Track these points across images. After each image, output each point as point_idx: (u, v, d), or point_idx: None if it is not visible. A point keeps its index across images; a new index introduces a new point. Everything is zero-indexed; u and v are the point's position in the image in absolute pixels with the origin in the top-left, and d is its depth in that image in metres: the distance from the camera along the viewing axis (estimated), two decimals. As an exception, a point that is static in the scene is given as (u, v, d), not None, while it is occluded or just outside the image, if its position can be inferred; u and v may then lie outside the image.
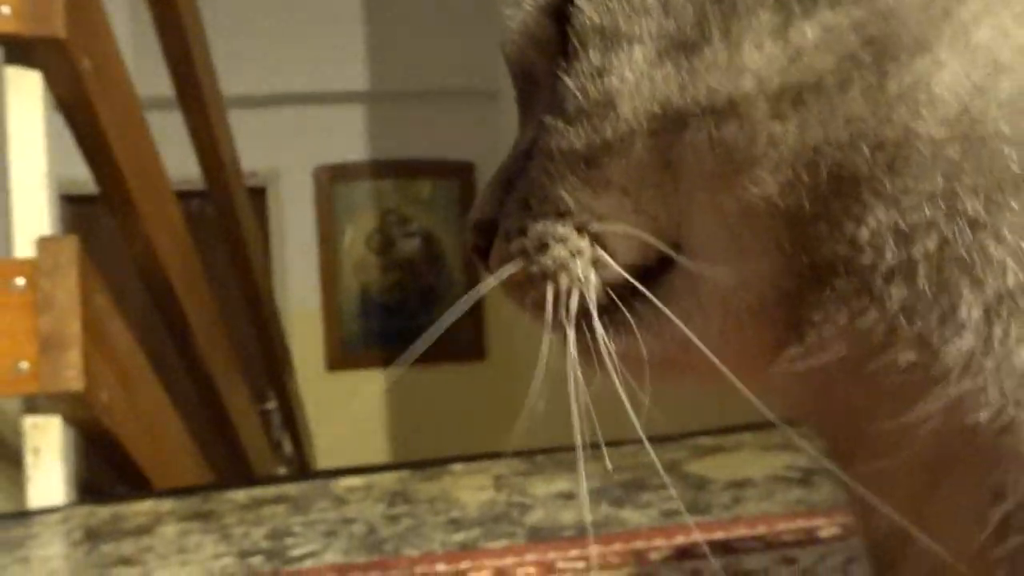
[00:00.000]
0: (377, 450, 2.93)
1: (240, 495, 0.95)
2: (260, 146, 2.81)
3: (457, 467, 0.96)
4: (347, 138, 3.31)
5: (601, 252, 0.29)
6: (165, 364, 1.22)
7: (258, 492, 0.96)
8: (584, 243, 0.29)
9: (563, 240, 0.29)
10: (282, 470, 2.25)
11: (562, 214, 0.29)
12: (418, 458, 1.03)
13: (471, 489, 0.85)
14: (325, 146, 3.29)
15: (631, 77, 0.27)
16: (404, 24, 3.26)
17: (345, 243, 3.35)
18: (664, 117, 0.26)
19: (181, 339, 1.38)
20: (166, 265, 1.25)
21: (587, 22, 0.28)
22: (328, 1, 3.24)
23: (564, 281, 0.29)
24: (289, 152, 3.23)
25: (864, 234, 0.25)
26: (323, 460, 2.48)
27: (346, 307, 3.33)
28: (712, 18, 0.26)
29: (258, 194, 3.11)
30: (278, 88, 3.17)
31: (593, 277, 0.29)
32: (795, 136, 0.25)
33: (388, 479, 0.94)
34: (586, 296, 0.29)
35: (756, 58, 0.25)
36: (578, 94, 0.28)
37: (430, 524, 0.72)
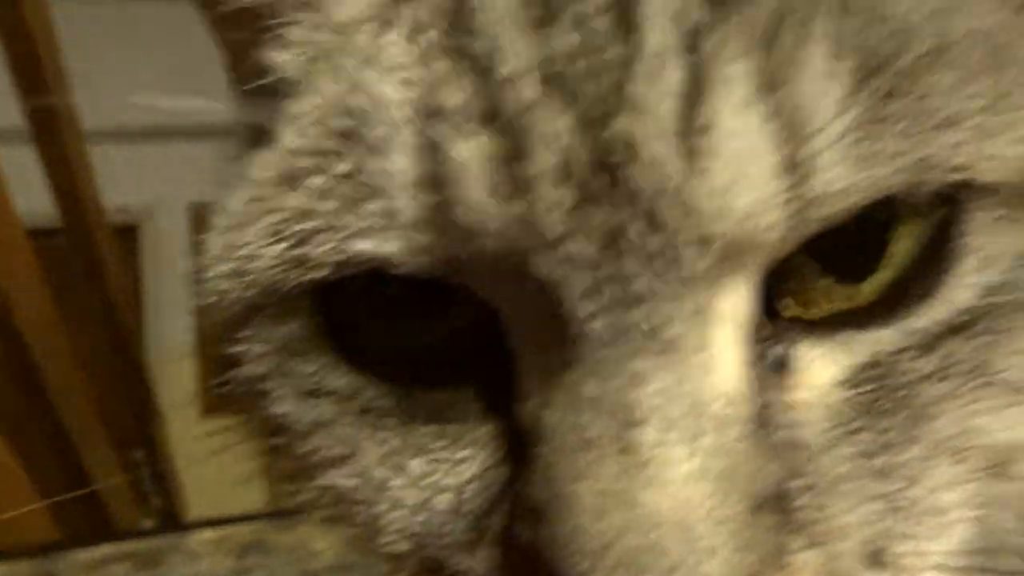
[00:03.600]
0: (255, 498, 2.81)
1: (87, 554, 0.89)
2: (132, 182, 2.71)
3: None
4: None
5: None
6: (12, 415, 1.15)
7: (107, 550, 0.90)
8: None
9: None
10: (148, 523, 2.14)
11: None
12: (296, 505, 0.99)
13: (329, 537, 0.82)
14: (201, 182, 3.20)
15: None
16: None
17: (224, 283, 3.25)
18: None
19: (30, 387, 1.30)
20: (13, 307, 1.17)
21: None
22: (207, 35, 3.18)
23: None
24: (163, 188, 3.13)
25: None
26: (196, 510, 2.37)
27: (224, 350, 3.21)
28: None
29: (130, 232, 2.99)
30: (151, 122, 3.08)
31: None
32: None
33: (244, 530, 0.90)
34: None
35: None
36: None
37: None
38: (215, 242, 0.34)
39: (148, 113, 3.15)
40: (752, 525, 0.26)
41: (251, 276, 0.32)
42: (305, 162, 0.30)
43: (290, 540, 0.81)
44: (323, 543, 0.79)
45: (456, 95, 0.27)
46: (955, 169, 0.27)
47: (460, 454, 0.30)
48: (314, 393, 0.32)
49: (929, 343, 0.28)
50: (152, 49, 3.17)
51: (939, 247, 0.28)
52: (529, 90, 0.27)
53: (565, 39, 0.27)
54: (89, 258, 1.70)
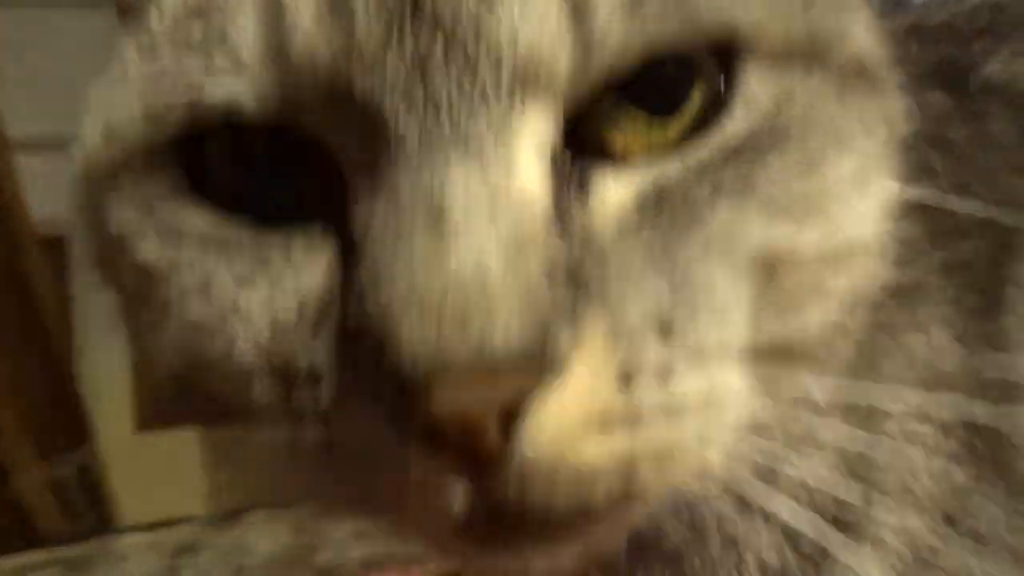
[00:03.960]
0: (190, 505, 2.76)
1: (9, 562, 0.88)
2: (60, 192, 2.63)
3: (257, 515, 0.94)
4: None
5: None
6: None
7: (30, 558, 0.90)
8: None
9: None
10: (78, 530, 2.08)
11: None
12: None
13: (266, 536, 0.84)
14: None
15: None
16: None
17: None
18: None
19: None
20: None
21: None
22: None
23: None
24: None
25: None
26: (129, 520, 2.31)
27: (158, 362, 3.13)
28: None
29: (57, 243, 2.89)
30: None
31: None
32: None
33: (179, 533, 0.90)
34: None
35: None
36: None
37: (214, 574, 0.70)
38: (94, 110, 0.39)
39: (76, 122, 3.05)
40: (546, 289, 0.31)
41: (116, 137, 0.36)
42: (164, 28, 0.35)
43: (225, 541, 0.82)
44: (261, 542, 0.81)
45: None
46: (721, 26, 0.34)
47: (305, 270, 0.34)
48: (176, 236, 0.35)
49: (705, 169, 0.34)
50: (82, 57, 3.08)
51: (717, 96, 0.35)
52: None
53: None
54: (16, 270, 1.66)
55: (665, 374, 0.32)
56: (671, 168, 0.34)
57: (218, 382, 0.35)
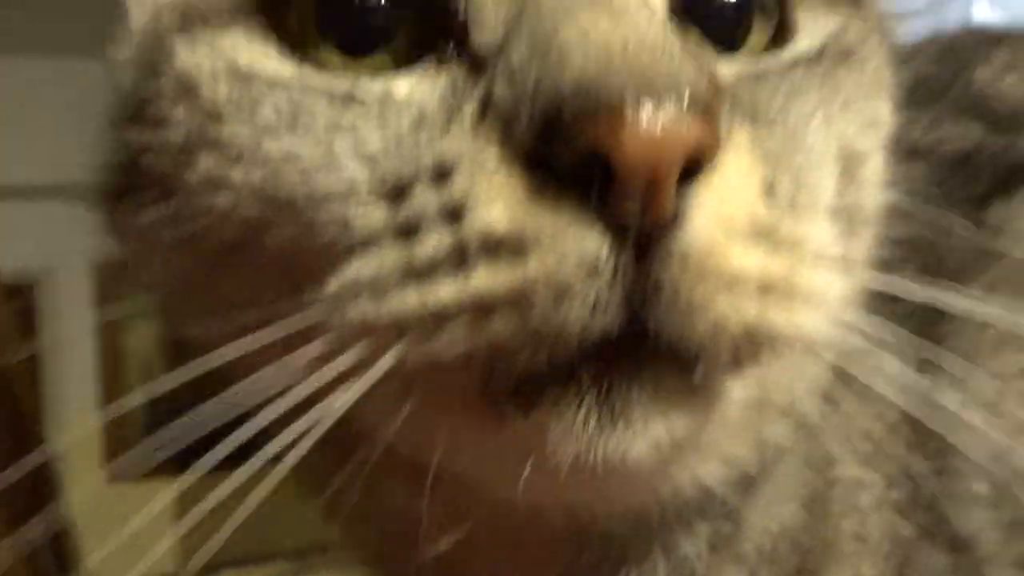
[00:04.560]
0: (164, 570, 2.69)
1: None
2: (31, 241, 2.60)
3: (231, 572, 0.90)
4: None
5: None
6: None
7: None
8: None
9: None
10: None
11: None
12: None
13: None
14: (106, 241, 3.10)
15: None
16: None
17: (130, 344, 3.13)
18: None
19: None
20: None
21: None
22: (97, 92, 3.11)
23: None
24: (64, 247, 3.01)
25: None
26: (101, 582, 2.24)
27: (130, 414, 3.09)
28: None
29: (27, 292, 2.86)
30: (50, 180, 2.97)
31: None
32: None
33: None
34: None
35: None
36: None
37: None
38: None
39: (44, 171, 3.05)
40: (707, 75, 0.32)
41: None
42: None
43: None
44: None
45: None
46: None
47: (416, 95, 0.33)
48: (255, 75, 0.35)
49: (794, 66, 0.38)
50: (52, 108, 3.08)
51: (783, 30, 0.40)
52: None
53: None
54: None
55: (795, 206, 0.34)
56: (762, 63, 0.38)
57: (305, 219, 0.33)
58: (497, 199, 0.30)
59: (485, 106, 0.32)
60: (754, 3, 0.39)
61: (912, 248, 0.45)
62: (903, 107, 0.47)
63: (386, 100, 0.33)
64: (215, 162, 0.34)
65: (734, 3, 0.38)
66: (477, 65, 0.33)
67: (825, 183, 0.37)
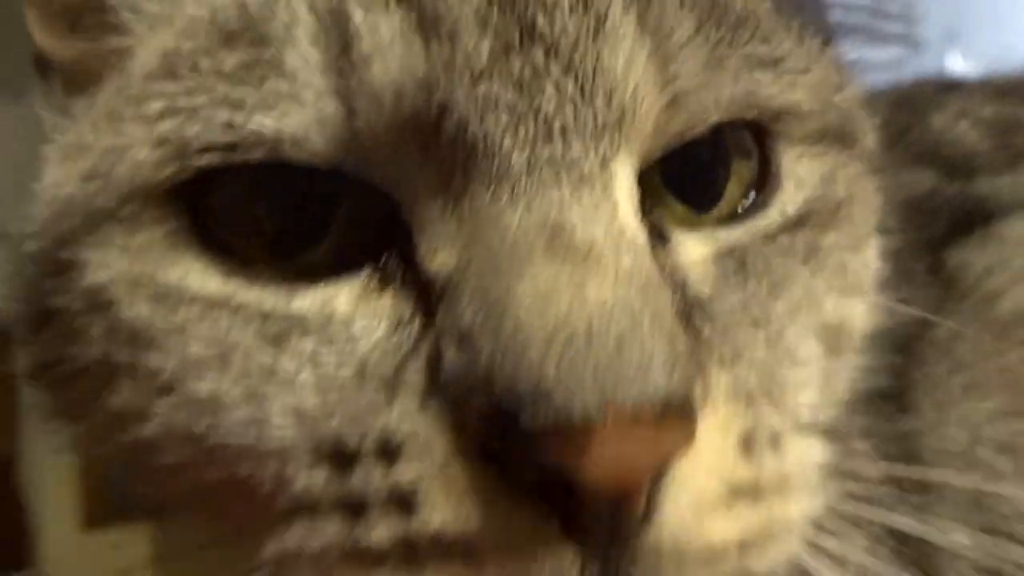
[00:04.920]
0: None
1: None
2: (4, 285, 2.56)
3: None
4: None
5: None
6: None
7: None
8: None
9: None
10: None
11: None
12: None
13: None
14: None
15: None
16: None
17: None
18: None
19: None
20: None
21: None
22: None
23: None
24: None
25: None
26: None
27: (106, 461, 3.02)
28: None
29: (2, 335, 2.81)
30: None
31: None
32: None
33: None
34: None
35: None
36: None
37: None
38: (53, 164, 0.35)
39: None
40: (682, 333, 0.28)
41: (112, 177, 0.32)
42: (187, 49, 0.32)
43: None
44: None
45: None
46: (775, 99, 0.35)
47: (357, 325, 0.30)
48: (179, 294, 0.31)
49: (771, 237, 0.35)
50: (11, 151, 3.04)
51: (765, 176, 0.36)
52: None
53: None
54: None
55: (776, 440, 0.31)
56: (738, 233, 0.35)
57: (235, 468, 0.29)
58: (450, 497, 0.27)
59: (434, 368, 0.28)
60: (731, 150, 0.36)
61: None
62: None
63: (326, 327, 0.30)
64: (137, 393, 0.31)
65: (710, 159, 0.35)
66: (424, 293, 0.30)
67: (810, 386, 0.34)
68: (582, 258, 0.28)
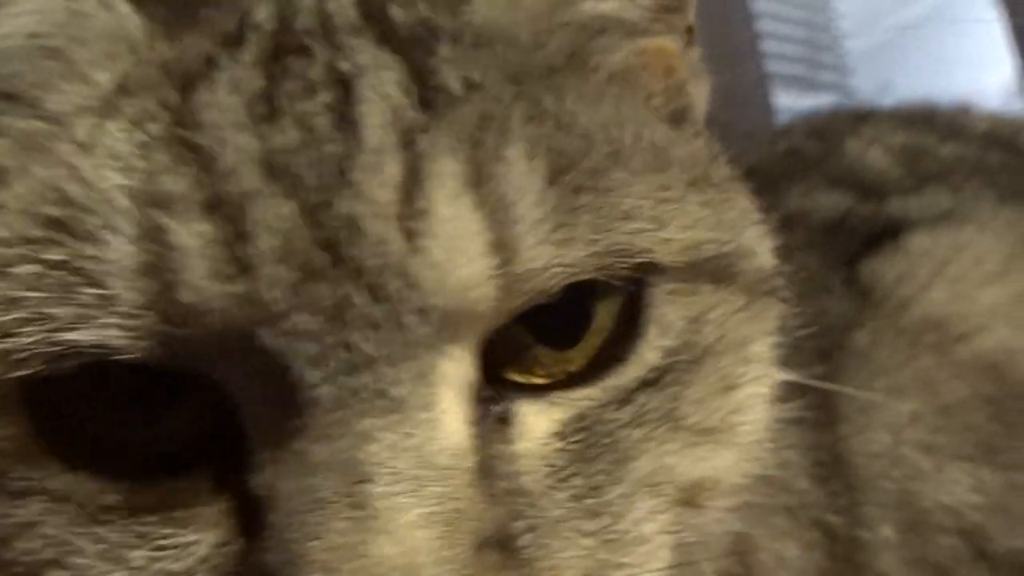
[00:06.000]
0: None
1: None
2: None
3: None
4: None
5: None
6: None
7: None
8: None
9: None
10: None
11: None
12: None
13: None
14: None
15: None
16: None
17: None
18: None
19: None
20: None
21: None
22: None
23: None
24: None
25: None
26: None
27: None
28: None
29: None
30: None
31: None
32: None
33: None
34: None
35: None
36: None
37: None
38: None
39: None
40: (476, 564, 0.28)
41: None
42: (12, 251, 0.29)
43: None
44: None
45: (179, 183, 0.28)
46: (638, 252, 0.32)
47: (189, 537, 0.29)
48: (21, 493, 0.30)
49: (626, 397, 0.33)
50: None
51: (629, 319, 0.33)
52: (249, 180, 0.28)
53: (287, 135, 0.29)
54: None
55: None
56: (591, 395, 0.33)
57: None
58: None
59: None
60: (597, 291, 0.32)
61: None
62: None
63: (156, 551, 0.29)
64: None
65: (570, 303, 0.32)
66: (252, 511, 0.29)
67: (657, 555, 0.33)
68: (375, 511, 0.27)
